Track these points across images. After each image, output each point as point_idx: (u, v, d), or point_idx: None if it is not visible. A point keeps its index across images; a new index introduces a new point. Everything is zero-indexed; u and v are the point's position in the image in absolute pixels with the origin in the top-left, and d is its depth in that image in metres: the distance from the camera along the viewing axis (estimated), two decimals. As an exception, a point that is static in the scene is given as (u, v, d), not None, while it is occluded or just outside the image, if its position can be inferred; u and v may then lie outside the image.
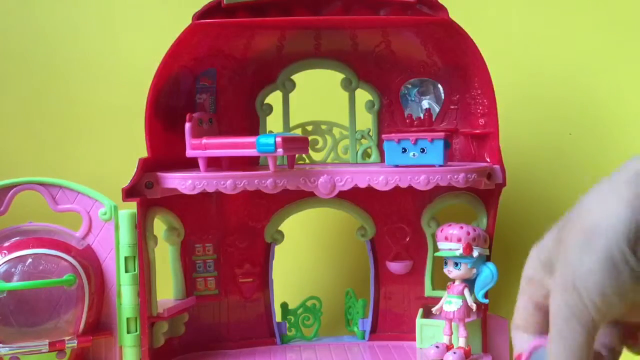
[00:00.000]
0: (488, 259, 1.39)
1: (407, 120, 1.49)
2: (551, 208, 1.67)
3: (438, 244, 1.41)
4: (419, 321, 1.48)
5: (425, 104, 1.48)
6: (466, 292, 1.38)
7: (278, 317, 1.54)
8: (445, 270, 1.39)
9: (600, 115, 1.69)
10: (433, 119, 1.48)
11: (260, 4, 1.36)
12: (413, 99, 1.49)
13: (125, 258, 1.30)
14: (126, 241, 1.30)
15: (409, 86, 1.48)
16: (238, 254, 1.51)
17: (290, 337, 1.54)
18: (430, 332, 1.46)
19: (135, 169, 1.32)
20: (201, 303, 1.49)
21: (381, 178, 1.34)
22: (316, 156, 1.55)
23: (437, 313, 1.42)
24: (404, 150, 1.37)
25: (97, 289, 1.30)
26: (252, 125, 1.51)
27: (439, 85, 1.47)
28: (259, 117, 1.51)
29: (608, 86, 1.68)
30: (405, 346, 1.50)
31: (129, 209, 1.32)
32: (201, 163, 1.35)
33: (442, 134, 1.34)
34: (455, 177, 1.33)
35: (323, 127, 1.55)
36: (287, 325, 1.53)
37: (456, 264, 1.38)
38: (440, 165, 1.33)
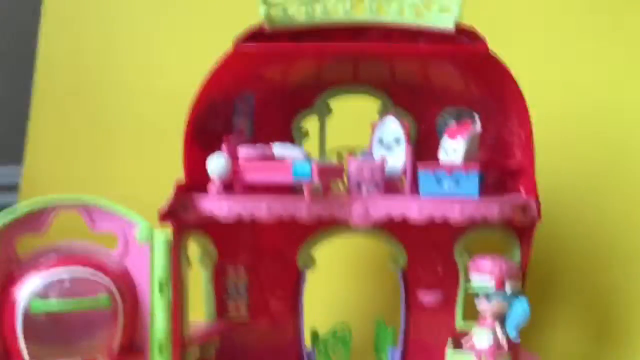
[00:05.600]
0: (521, 294, 1.39)
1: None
2: (585, 245, 1.66)
3: (471, 275, 1.40)
4: (449, 352, 1.47)
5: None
6: (497, 327, 1.37)
7: (307, 344, 1.54)
8: (477, 302, 1.39)
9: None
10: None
11: (302, 31, 1.38)
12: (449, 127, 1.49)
13: (160, 282, 1.32)
14: (161, 263, 1.31)
15: (446, 115, 1.48)
16: (270, 279, 1.52)
17: (319, 364, 1.54)
18: (461, 362, 1.46)
19: (173, 192, 1.33)
20: (232, 327, 1.50)
21: (415, 208, 1.34)
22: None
23: (467, 347, 1.42)
24: (439, 180, 1.37)
25: (131, 311, 1.31)
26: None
27: (476, 115, 1.46)
28: (295, 141, 1.52)
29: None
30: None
31: (164, 231, 1.34)
32: (236, 185, 1.36)
33: (477, 165, 1.34)
34: (490, 209, 1.33)
35: (358, 152, 1.55)
36: (316, 352, 1.54)
37: (488, 298, 1.37)
38: (475, 198, 1.34)
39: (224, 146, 1.38)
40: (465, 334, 1.44)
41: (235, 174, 1.36)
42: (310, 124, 1.53)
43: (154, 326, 1.32)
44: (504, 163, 1.45)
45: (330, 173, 1.36)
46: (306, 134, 1.52)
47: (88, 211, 1.33)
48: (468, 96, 1.47)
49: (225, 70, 1.36)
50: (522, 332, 1.37)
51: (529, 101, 1.37)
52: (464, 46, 1.36)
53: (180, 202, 1.34)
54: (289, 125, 1.52)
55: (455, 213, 1.32)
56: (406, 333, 1.54)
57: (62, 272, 1.25)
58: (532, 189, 1.38)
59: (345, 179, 1.48)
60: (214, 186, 1.34)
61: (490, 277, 1.36)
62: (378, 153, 1.46)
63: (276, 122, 1.52)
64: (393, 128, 1.46)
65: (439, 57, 1.42)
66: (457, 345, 1.49)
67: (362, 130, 1.53)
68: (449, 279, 1.51)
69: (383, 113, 1.52)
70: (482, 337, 1.38)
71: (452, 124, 1.42)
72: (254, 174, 1.36)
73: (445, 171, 1.36)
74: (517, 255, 1.42)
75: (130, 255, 1.33)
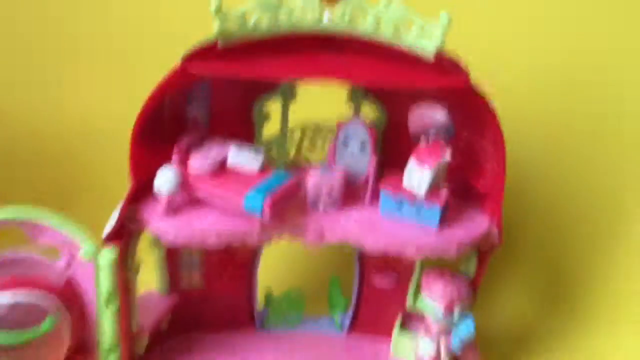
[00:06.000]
0: (468, 314, 1.39)
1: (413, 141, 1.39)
2: (546, 202, 1.66)
3: (422, 291, 1.39)
4: (396, 335, 1.51)
5: (432, 132, 1.36)
6: (441, 340, 1.40)
7: (260, 304, 1.57)
8: (425, 314, 1.40)
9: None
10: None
11: (263, 43, 1.21)
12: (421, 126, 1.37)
13: (106, 297, 1.30)
14: (107, 282, 1.29)
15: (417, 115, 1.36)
16: (226, 254, 1.50)
17: (270, 324, 1.58)
18: (405, 346, 1.51)
19: (118, 212, 1.27)
20: (185, 298, 1.52)
21: (370, 239, 1.29)
22: (314, 156, 1.47)
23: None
24: (400, 204, 1.30)
25: (78, 318, 1.31)
26: (248, 132, 1.41)
27: (449, 117, 1.34)
28: (255, 125, 1.40)
29: None
30: (381, 346, 1.56)
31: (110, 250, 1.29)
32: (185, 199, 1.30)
33: (441, 200, 1.27)
34: (447, 249, 1.28)
35: (324, 129, 1.45)
36: (269, 313, 1.57)
37: (436, 318, 1.38)
38: (433, 228, 1.29)
39: (174, 157, 1.28)
40: (415, 314, 1.48)
41: (185, 188, 1.29)
42: (273, 106, 1.40)
43: (102, 334, 1.33)
44: (471, 176, 1.36)
45: (286, 198, 1.28)
46: (267, 117, 1.40)
47: (28, 226, 1.27)
48: (443, 102, 1.33)
49: (170, 85, 1.22)
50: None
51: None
52: (444, 79, 1.21)
53: (127, 215, 1.29)
54: (249, 109, 1.39)
55: (411, 248, 1.28)
56: (357, 308, 1.56)
57: (3, 298, 1.24)
58: (497, 215, 1.32)
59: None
60: (160, 205, 1.27)
61: (440, 301, 1.36)
62: (340, 157, 1.37)
63: (235, 107, 1.39)
64: (359, 132, 1.34)
65: (417, 87, 1.26)
66: (406, 322, 1.53)
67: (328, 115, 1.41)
68: (404, 264, 1.50)
69: (352, 101, 1.39)
70: (425, 346, 1.41)
71: (424, 142, 1.31)
72: (205, 194, 1.29)
73: (406, 198, 1.29)
74: (471, 268, 1.40)
75: (74, 268, 1.29)
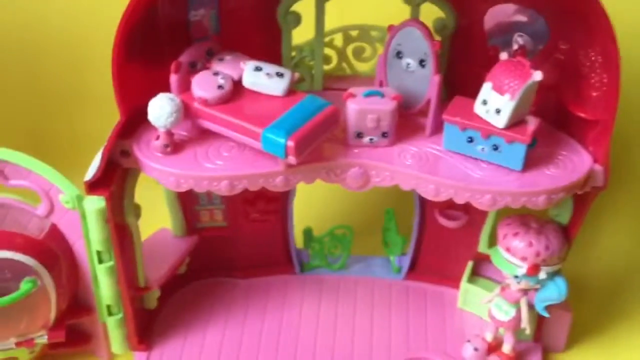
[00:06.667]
0: (558, 274, 1.08)
1: (491, 53, 1.04)
2: None
3: (498, 245, 1.09)
4: (464, 285, 1.23)
5: (518, 39, 1.01)
6: (523, 302, 1.10)
7: (299, 243, 1.29)
8: (502, 273, 1.10)
9: None
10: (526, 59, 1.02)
11: None
12: (502, 27, 1.02)
13: (98, 252, 1.04)
14: (96, 237, 1.02)
15: (499, 12, 1.01)
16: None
17: (312, 266, 1.31)
18: (476, 298, 1.22)
19: (101, 152, 0.98)
20: (207, 235, 1.25)
21: (431, 187, 0.98)
22: (362, 67, 1.14)
23: (485, 303, 1.16)
24: (470, 140, 0.98)
25: (68, 274, 1.06)
26: (271, 40, 1.08)
27: (542, 20, 0.98)
28: (282, 31, 1.07)
29: None
30: (445, 295, 1.28)
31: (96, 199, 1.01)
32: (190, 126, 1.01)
33: (526, 137, 0.94)
34: (534, 199, 0.96)
35: (373, 33, 1.11)
36: (311, 253, 1.30)
37: (516, 278, 1.08)
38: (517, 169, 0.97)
39: (173, 78, 0.98)
40: (487, 258, 1.18)
41: (188, 118, 0.99)
42: (303, 6, 1.06)
43: (99, 292, 1.09)
44: (569, 99, 1.02)
45: (319, 133, 0.97)
46: (296, 21, 1.07)
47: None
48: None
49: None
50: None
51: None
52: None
53: (117, 147, 1.00)
54: (272, 9, 1.05)
55: (484, 202, 0.97)
56: (419, 239, 1.27)
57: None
58: (603, 150, 0.98)
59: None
60: (158, 142, 0.98)
61: (522, 261, 1.05)
62: (393, 74, 1.03)
63: (254, 6, 1.06)
64: (417, 44, 1.00)
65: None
66: (478, 268, 1.24)
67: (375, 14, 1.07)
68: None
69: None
70: (502, 310, 1.12)
71: (505, 54, 0.96)
72: (213, 126, 0.99)
73: (479, 132, 0.96)
74: (565, 215, 1.08)
75: (57, 214, 1.03)
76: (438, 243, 1.25)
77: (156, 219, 1.21)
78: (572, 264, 1.13)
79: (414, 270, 1.30)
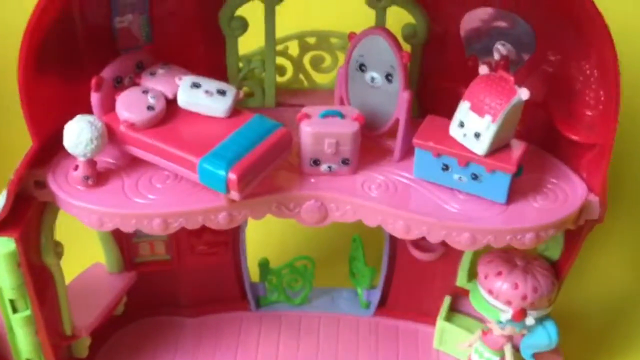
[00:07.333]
0: (547, 318, 0.94)
1: (469, 64, 0.89)
2: None
3: (479, 285, 0.95)
4: (441, 323, 1.08)
5: (500, 47, 0.87)
6: (507, 350, 0.96)
7: (254, 276, 1.14)
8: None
9: None
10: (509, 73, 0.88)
11: None
12: (481, 34, 0.87)
13: (11, 300, 0.89)
14: (8, 284, 0.87)
15: (478, 16, 0.86)
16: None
17: (269, 301, 1.16)
18: (454, 338, 1.08)
19: (7, 187, 0.83)
20: (148, 271, 1.10)
21: (400, 223, 0.83)
22: (322, 79, 0.99)
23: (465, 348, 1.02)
24: (446, 167, 0.83)
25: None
26: (214, 50, 0.93)
27: (526, 25, 0.84)
28: (227, 39, 0.92)
29: None
30: (420, 334, 1.14)
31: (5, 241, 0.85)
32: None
33: (511, 165, 0.80)
34: (520, 237, 0.82)
35: (334, 40, 0.96)
36: (268, 287, 1.15)
37: (500, 323, 0.94)
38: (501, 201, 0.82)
39: (94, 97, 0.83)
40: (467, 293, 1.04)
41: (113, 144, 0.84)
42: (250, 11, 0.91)
43: (16, 345, 0.94)
44: (561, 119, 0.87)
45: (267, 162, 0.82)
46: (243, 28, 0.92)
47: None
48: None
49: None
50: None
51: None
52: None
53: (29, 183, 0.85)
54: (214, 15, 0.90)
55: (462, 241, 0.82)
56: (390, 272, 1.13)
57: None
58: (600, 181, 0.84)
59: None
60: (77, 174, 0.83)
61: (506, 306, 0.91)
62: (355, 90, 0.89)
63: (192, 11, 0.90)
64: (383, 55, 0.85)
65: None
66: (456, 306, 1.10)
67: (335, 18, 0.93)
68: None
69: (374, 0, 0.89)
70: (483, 356, 0.98)
71: (485, 67, 0.82)
72: (142, 154, 0.84)
73: (456, 160, 0.82)
74: (556, 251, 0.94)
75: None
76: (411, 275, 1.11)
77: (88, 252, 1.07)
78: (561, 301, 1.00)
79: (385, 305, 1.16)
